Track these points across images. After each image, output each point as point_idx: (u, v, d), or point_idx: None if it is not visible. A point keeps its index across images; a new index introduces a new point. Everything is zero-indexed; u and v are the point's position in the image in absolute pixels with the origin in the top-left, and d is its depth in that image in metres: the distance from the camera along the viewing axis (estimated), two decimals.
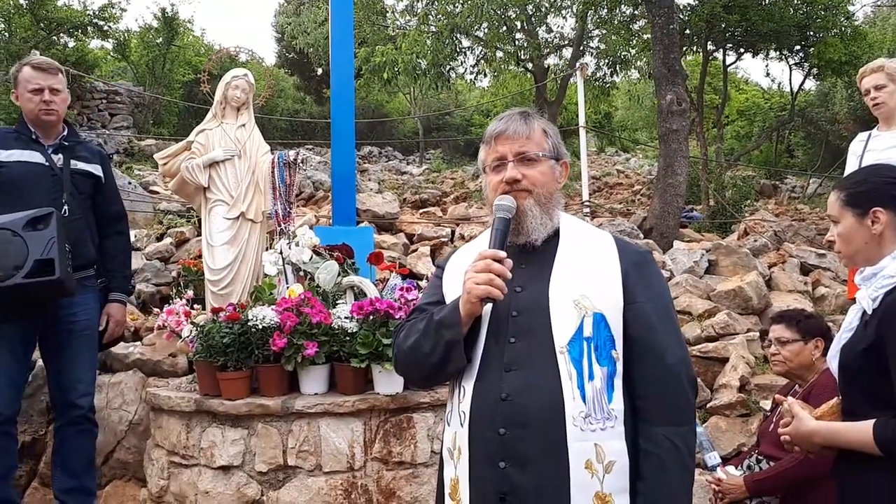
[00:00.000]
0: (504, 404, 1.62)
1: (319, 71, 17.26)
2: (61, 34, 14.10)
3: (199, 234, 6.32)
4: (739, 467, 3.12)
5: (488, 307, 1.68)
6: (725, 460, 3.60)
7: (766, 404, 4.47)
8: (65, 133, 3.60)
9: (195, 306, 4.24)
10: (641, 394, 1.63)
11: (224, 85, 4.10)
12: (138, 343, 4.54)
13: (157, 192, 9.09)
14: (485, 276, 1.61)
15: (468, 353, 1.70)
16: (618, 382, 1.62)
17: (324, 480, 3.29)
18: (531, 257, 1.75)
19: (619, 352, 1.63)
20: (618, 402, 1.61)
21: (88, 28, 14.18)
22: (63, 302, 3.44)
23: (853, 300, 4.81)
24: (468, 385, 1.69)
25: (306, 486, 3.29)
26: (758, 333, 5.24)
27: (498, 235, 1.68)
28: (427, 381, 1.94)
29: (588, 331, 1.62)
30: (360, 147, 17.54)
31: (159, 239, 6.08)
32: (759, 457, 3.07)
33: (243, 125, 4.12)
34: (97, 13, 14.17)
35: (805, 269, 6.70)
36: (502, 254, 1.64)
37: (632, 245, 1.84)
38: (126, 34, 16.76)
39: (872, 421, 1.75)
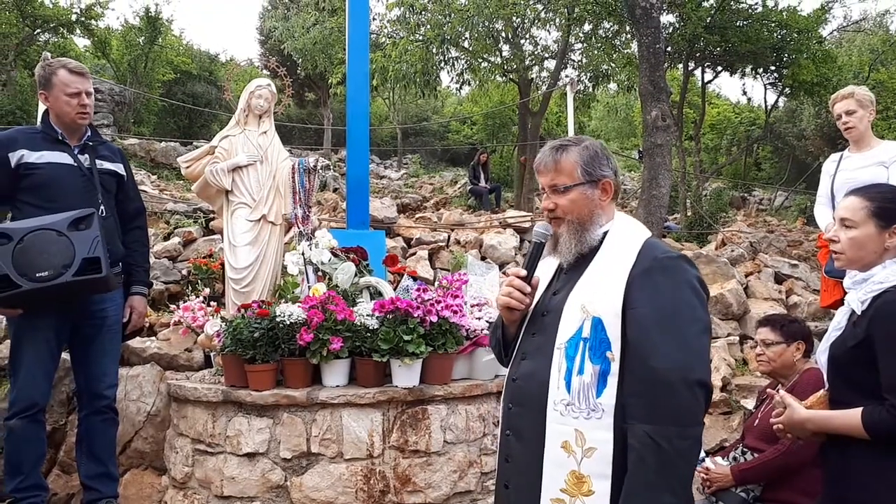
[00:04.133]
0: (514, 385, 1.99)
1: (303, 74, 17.35)
2: (45, 31, 14.05)
3: (206, 235, 6.50)
4: (726, 458, 3.39)
5: (531, 309, 2.04)
6: (708, 454, 3.89)
7: (747, 403, 4.80)
8: (88, 133, 3.67)
9: (211, 303, 4.43)
10: (630, 393, 1.75)
11: (248, 94, 4.29)
12: (154, 338, 4.69)
13: (144, 192, 9.19)
14: (506, 290, 2.00)
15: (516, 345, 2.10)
16: (611, 380, 1.77)
17: (345, 467, 3.50)
18: (574, 265, 2.00)
19: (614, 353, 1.78)
20: (608, 398, 1.77)
21: (75, 26, 14.13)
22: (95, 297, 3.58)
23: (825, 308, 5.16)
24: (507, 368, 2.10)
25: (328, 472, 3.50)
26: (738, 337, 5.59)
27: (528, 257, 2.02)
28: (506, 366, 2.22)
29: (586, 332, 1.83)
30: (338, 150, 17.70)
31: (166, 238, 6.23)
32: (745, 449, 3.35)
33: (265, 132, 4.32)
34: (84, 11, 14.13)
35: (779, 279, 7.09)
36: (523, 272, 2.00)
37: (658, 250, 1.88)
38: (107, 32, 16.71)
39: (861, 409, 1.99)
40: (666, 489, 1.67)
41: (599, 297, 1.84)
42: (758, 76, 12.17)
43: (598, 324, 1.81)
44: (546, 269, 2.08)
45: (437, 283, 4.01)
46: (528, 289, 1.99)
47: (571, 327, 1.86)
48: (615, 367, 1.78)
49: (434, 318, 3.59)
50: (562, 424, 1.82)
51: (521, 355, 2.00)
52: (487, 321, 3.82)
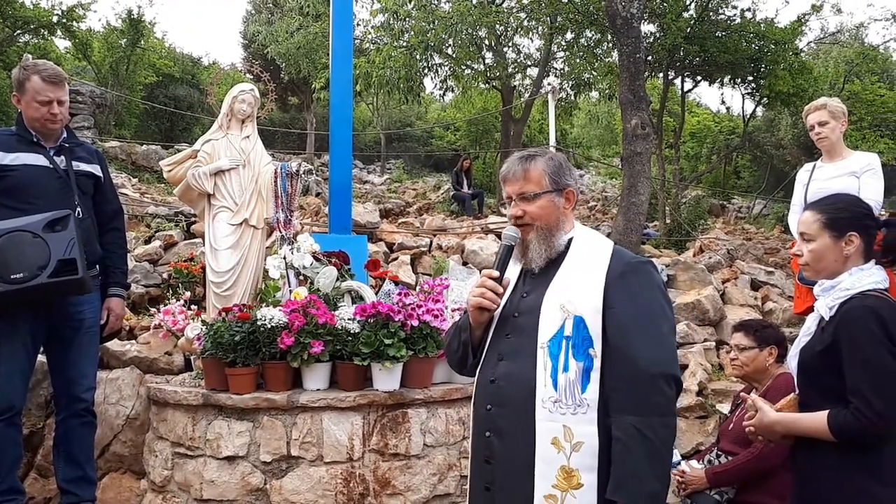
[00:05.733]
0: (492, 386, 2.01)
1: (286, 79, 17.33)
2: (26, 33, 13.93)
3: (187, 238, 6.48)
4: (701, 461, 3.45)
5: (498, 309, 2.07)
6: (684, 457, 3.95)
7: (722, 407, 4.87)
8: (64, 135, 3.65)
9: (192, 307, 4.43)
10: (613, 387, 1.84)
11: (231, 98, 4.31)
12: (134, 341, 4.67)
13: (125, 195, 9.13)
14: (479, 290, 2.03)
15: (484, 348, 2.10)
16: (594, 375, 1.87)
17: (325, 470, 3.52)
18: (541, 269, 2.07)
19: (596, 350, 1.87)
20: (592, 393, 1.86)
21: (56, 27, 14.02)
22: (72, 299, 3.56)
23: (799, 314, 5.25)
24: (477, 371, 2.12)
25: (308, 475, 3.51)
26: (714, 343, 5.67)
27: (499, 258, 2.07)
28: (463, 371, 2.26)
29: (568, 330, 1.91)
30: (320, 155, 17.69)
31: (147, 242, 6.20)
32: (719, 452, 3.41)
33: (248, 136, 4.33)
34: (65, 13, 14.03)
35: (755, 285, 7.21)
36: (496, 273, 2.03)
37: (627, 256, 2.03)
38: (89, 34, 16.58)
39: (827, 412, 2.05)
40: (653, 476, 1.78)
41: (580, 296, 1.93)
42: (736, 86, 12.37)
43: (580, 322, 1.90)
44: (509, 273, 2.10)
45: (418, 288, 4.04)
46: (501, 289, 2.03)
47: (552, 326, 1.92)
48: (597, 363, 1.87)
49: (415, 323, 3.62)
50: (550, 421, 1.87)
51: (495, 357, 2.03)
52: None
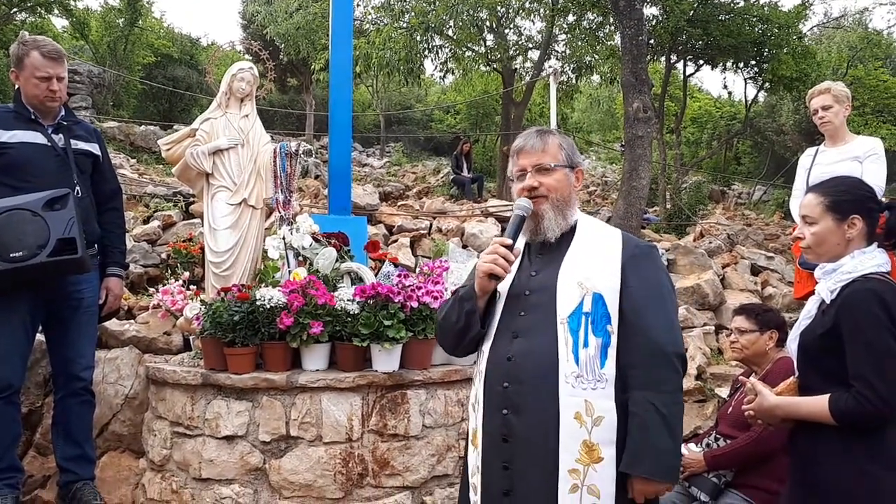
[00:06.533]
0: (509, 364, 1.99)
1: (285, 60, 17.20)
2: (22, 10, 13.80)
3: (186, 218, 6.46)
4: (699, 445, 3.46)
5: (504, 287, 2.07)
6: (683, 440, 3.96)
7: (721, 391, 4.89)
8: (62, 113, 3.62)
9: (190, 287, 4.42)
10: (629, 363, 1.91)
11: (230, 76, 4.25)
12: (133, 321, 4.66)
13: (123, 175, 9.10)
14: (491, 257, 1.99)
15: (487, 324, 2.09)
16: (611, 352, 1.93)
17: (323, 450, 3.52)
18: (548, 248, 2.11)
19: (613, 326, 1.94)
20: (610, 368, 1.91)
21: (53, 5, 13.88)
22: (71, 279, 3.55)
23: (799, 300, 5.26)
24: (486, 349, 2.08)
25: (307, 455, 3.51)
26: (713, 327, 5.68)
27: (512, 226, 2.04)
28: (457, 348, 2.21)
29: (587, 307, 1.94)
30: (320, 137, 17.61)
31: (146, 222, 6.18)
32: (718, 436, 3.42)
33: (246, 115, 4.28)
34: None
35: (755, 270, 7.21)
36: (509, 241, 2.00)
37: (636, 240, 2.13)
38: (86, 13, 16.44)
39: (828, 396, 2.04)
40: (670, 450, 1.87)
41: (597, 274, 1.97)
42: (738, 70, 12.29)
43: (598, 299, 1.94)
44: (519, 248, 2.12)
45: (418, 270, 4.03)
46: (513, 257, 2.02)
47: (571, 303, 1.95)
48: (614, 340, 1.93)
49: (415, 304, 3.61)
50: (573, 396, 1.89)
51: (509, 335, 2.02)
52: None
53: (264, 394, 3.56)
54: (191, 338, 4.26)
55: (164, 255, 5.53)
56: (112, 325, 4.47)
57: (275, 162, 4.18)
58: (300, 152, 4.24)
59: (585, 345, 1.91)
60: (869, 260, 2.13)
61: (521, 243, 2.13)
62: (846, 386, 2.02)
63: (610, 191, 15.10)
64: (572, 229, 2.09)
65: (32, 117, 3.51)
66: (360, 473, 3.53)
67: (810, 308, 2.27)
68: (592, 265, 1.99)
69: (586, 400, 1.89)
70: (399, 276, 3.74)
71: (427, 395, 3.73)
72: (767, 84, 12.16)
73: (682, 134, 18.49)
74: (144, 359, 4.39)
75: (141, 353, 4.43)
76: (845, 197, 2.18)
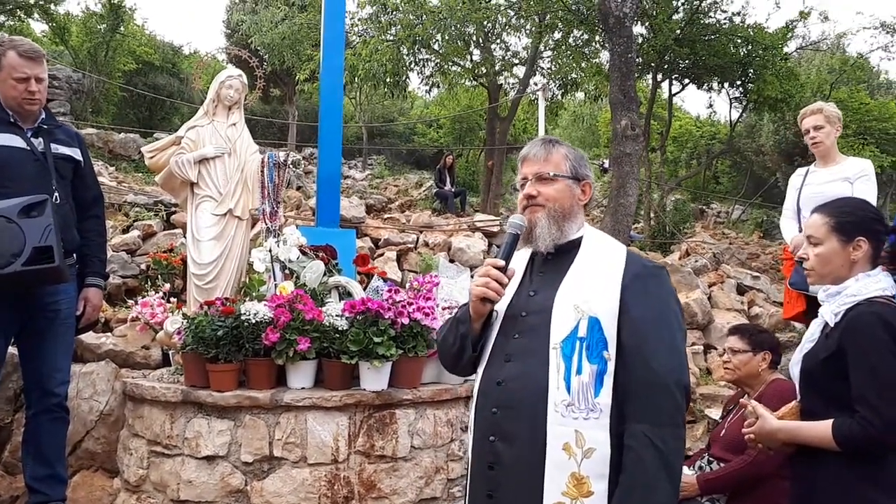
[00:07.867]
0: (499, 388, 1.89)
1: (269, 70, 17.08)
2: (1, 13, 13.57)
3: (167, 228, 6.31)
4: (692, 468, 3.39)
5: (501, 307, 1.98)
6: None
7: (711, 412, 4.83)
8: (43, 116, 3.51)
9: (171, 299, 4.29)
10: (627, 393, 1.78)
11: (218, 83, 4.16)
12: (109, 334, 4.52)
13: (101, 183, 8.92)
14: (483, 280, 1.90)
15: (482, 346, 2.00)
16: (608, 380, 1.79)
17: (308, 472, 3.40)
18: (550, 266, 2.00)
19: (610, 353, 1.81)
20: (605, 397, 1.78)
21: (33, 9, 13.68)
22: (48, 289, 3.42)
23: (787, 320, 5.22)
24: (480, 372, 1.99)
25: (291, 476, 3.39)
26: (702, 347, 5.64)
27: (505, 246, 1.95)
28: (456, 369, 2.14)
29: (582, 331, 1.83)
30: (301, 149, 17.49)
31: (125, 231, 6.02)
32: (710, 458, 3.36)
33: (234, 124, 4.19)
34: None
35: (741, 290, 7.21)
36: (501, 262, 1.91)
37: (642, 260, 1.99)
38: (67, 18, 16.21)
39: (831, 420, 1.99)
40: (664, 488, 1.72)
41: (595, 297, 1.86)
42: (723, 90, 12.43)
43: (595, 323, 1.83)
44: (514, 268, 2.01)
45: (407, 285, 3.94)
46: (506, 280, 1.92)
47: (566, 327, 1.84)
48: (611, 367, 1.81)
49: (405, 320, 3.52)
50: (562, 426, 1.79)
51: (502, 357, 1.93)
52: None
53: (247, 412, 3.43)
54: (170, 352, 4.12)
55: (143, 266, 5.38)
56: (88, 337, 4.32)
57: (262, 172, 4.08)
58: (289, 162, 4.15)
59: (579, 371, 1.79)
60: (874, 283, 2.09)
61: (525, 256, 2.05)
62: (849, 411, 1.98)
63: (592, 208, 15.15)
64: (577, 245, 1.99)
65: (11, 120, 3.39)
66: (346, 496, 3.41)
67: (813, 331, 2.23)
68: (592, 286, 1.88)
69: (577, 430, 1.78)
70: (389, 290, 3.65)
71: (416, 414, 3.63)
72: (751, 104, 12.31)
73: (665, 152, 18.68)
74: (121, 374, 4.24)
75: (118, 368, 4.28)
76: (851, 218, 2.14)
